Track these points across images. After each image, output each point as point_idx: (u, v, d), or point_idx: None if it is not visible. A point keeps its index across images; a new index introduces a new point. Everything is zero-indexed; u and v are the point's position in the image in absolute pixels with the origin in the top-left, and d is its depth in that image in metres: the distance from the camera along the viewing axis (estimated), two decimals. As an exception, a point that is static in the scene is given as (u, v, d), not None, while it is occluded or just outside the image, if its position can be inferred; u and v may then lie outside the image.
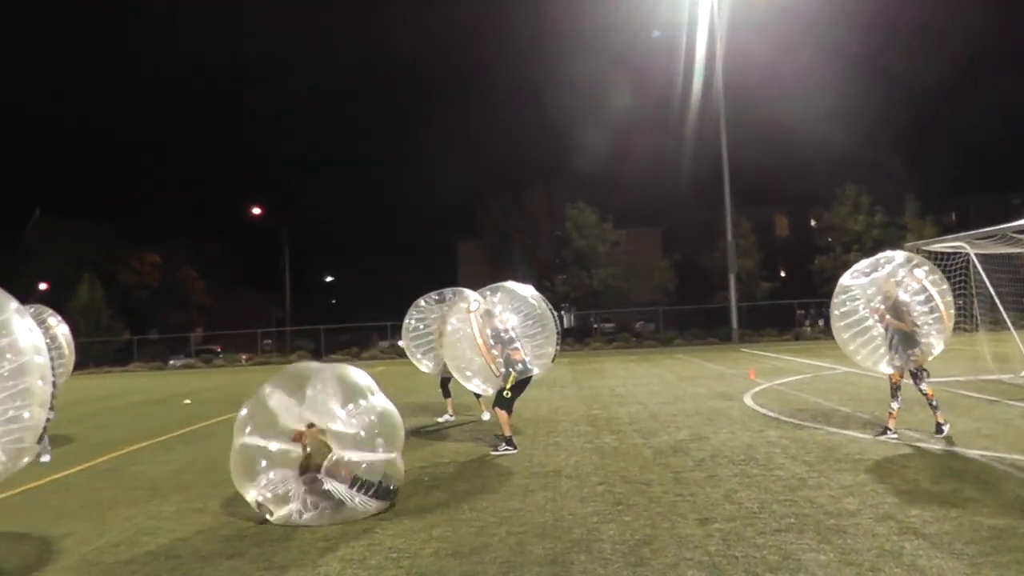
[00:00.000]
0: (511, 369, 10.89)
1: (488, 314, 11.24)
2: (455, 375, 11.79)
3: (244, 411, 8.16)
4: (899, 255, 11.19)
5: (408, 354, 15.30)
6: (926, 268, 11.01)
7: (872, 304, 10.74)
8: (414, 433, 13.14)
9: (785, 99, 61.88)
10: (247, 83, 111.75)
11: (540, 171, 71.67)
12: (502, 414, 10.95)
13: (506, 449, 10.84)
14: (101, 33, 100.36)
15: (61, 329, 13.93)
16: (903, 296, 10.56)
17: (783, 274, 57.54)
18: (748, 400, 14.95)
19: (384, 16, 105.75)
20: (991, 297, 17.13)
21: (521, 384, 11.04)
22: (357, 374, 8.42)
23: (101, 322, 55.43)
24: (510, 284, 11.84)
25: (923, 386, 10.32)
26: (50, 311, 14.03)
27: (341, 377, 8.22)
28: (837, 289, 11.48)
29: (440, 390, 14.91)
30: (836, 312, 11.40)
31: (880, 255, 11.37)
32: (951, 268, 17.79)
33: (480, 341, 11.05)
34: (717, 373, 21.92)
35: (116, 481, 10.61)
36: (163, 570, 6.56)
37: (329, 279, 77.74)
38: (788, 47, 59.60)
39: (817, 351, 28.98)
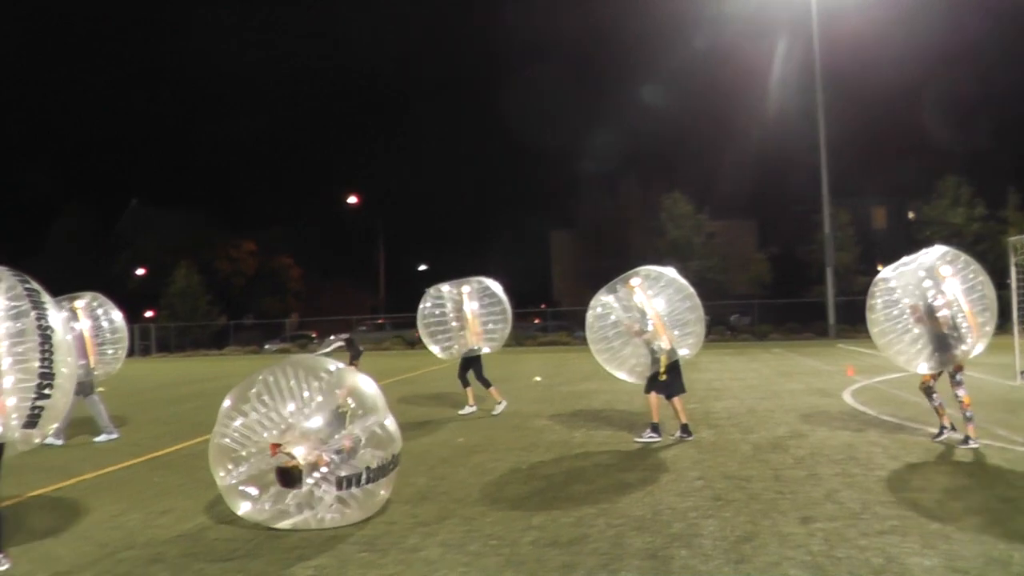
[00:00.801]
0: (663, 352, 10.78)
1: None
2: (601, 362, 11.63)
3: (227, 403, 7.72)
4: (938, 249, 10.66)
5: (423, 340, 15.28)
6: (959, 264, 10.21)
7: (907, 300, 10.27)
8: (509, 422, 13.26)
9: (885, 87, 60.52)
10: (343, 71, 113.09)
11: (635, 161, 71.25)
12: (652, 398, 10.92)
13: (651, 436, 10.84)
14: (197, 22, 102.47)
15: (113, 316, 13.76)
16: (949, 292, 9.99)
17: (881, 268, 56.34)
18: (847, 397, 14.74)
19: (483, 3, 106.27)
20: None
21: (675, 368, 10.91)
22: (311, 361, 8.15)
23: (199, 307, 56.97)
24: (653, 267, 11.62)
25: (960, 392, 9.86)
26: (89, 297, 13.62)
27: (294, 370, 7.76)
28: (875, 280, 11.11)
29: (459, 380, 14.78)
30: (867, 305, 11.00)
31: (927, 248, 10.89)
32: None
33: (653, 313, 10.83)
34: (814, 369, 21.63)
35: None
36: (265, 550, 6.72)
37: (422, 267, 78.43)
38: (889, 35, 58.32)
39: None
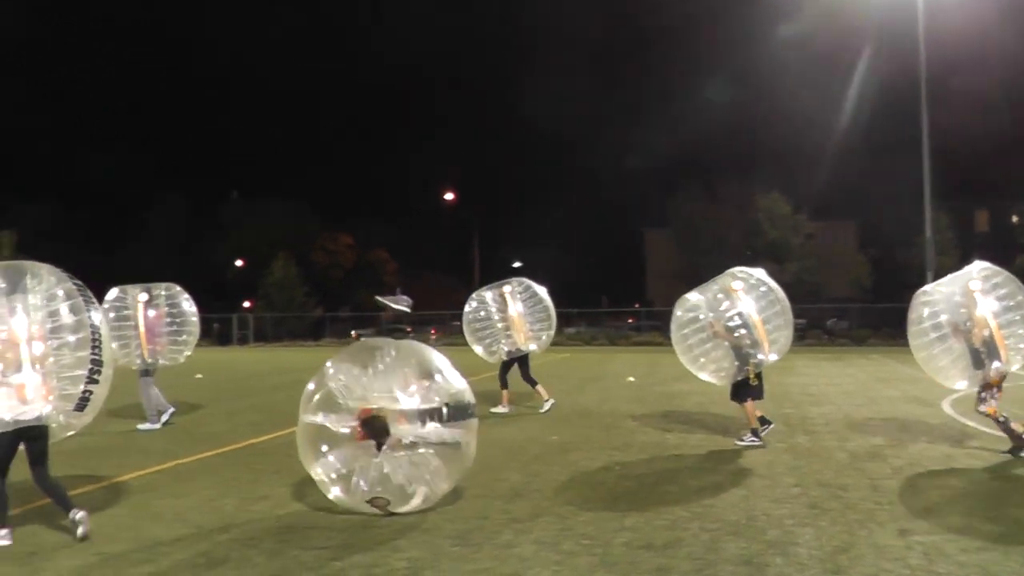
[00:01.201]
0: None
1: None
2: (687, 365, 11.61)
3: (310, 386, 8.08)
4: (976, 265, 10.33)
5: (469, 342, 15.38)
6: (994, 281, 10.00)
7: (944, 316, 10.16)
8: (602, 421, 13.29)
9: (989, 86, 58.60)
10: (445, 65, 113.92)
11: (732, 160, 70.42)
12: (749, 406, 10.85)
13: (752, 440, 10.79)
14: (301, 15, 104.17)
15: (184, 307, 14.02)
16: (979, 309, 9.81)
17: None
18: (946, 407, 14.37)
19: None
20: None
21: (759, 373, 10.83)
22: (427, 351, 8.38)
23: (295, 298, 57.99)
24: (744, 268, 11.58)
25: (982, 408, 9.76)
26: (163, 287, 13.91)
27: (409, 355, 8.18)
28: (916, 294, 10.87)
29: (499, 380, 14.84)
30: (908, 319, 10.74)
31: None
32: None
33: (758, 319, 10.85)
34: (912, 376, 21.02)
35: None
36: (359, 539, 6.86)
37: (517, 264, 78.65)
38: (994, 32, 56.44)
39: (1022, 358, 27.50)
